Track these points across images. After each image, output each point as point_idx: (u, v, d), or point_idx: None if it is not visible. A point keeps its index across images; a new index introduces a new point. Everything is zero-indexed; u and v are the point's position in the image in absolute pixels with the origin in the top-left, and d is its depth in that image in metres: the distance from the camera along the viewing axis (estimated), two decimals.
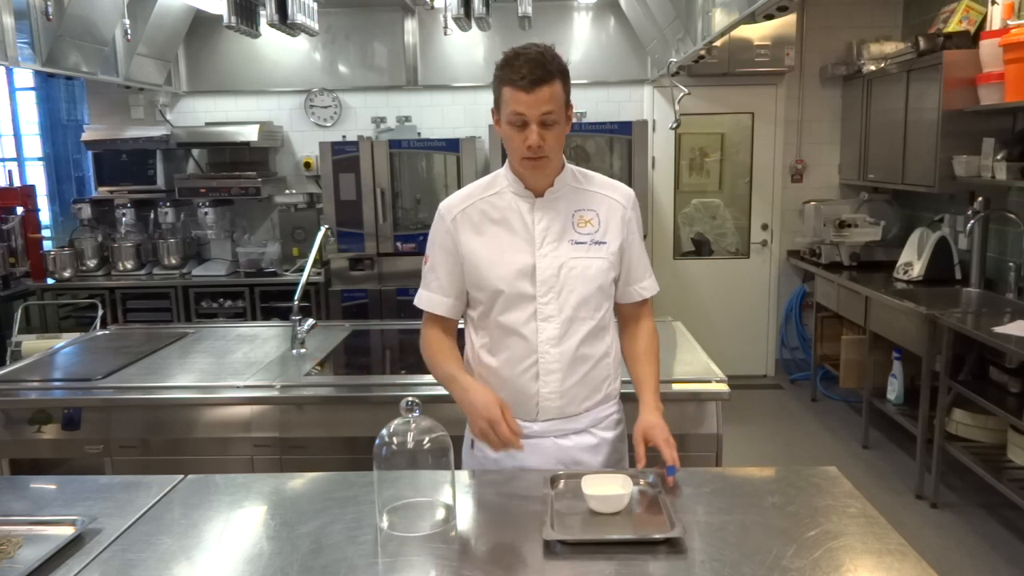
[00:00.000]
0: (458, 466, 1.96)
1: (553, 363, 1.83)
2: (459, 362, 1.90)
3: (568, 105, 1.79)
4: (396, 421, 1.56)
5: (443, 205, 1.90)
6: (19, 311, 4.77)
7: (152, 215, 5.57)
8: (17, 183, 6.20)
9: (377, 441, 1.56)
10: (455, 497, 1.63)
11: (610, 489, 1.62)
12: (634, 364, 1.96)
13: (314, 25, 3.91)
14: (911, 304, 3.91)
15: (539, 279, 1.81)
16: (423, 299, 1.92)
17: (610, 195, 1.90)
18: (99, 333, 3.50)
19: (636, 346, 1.97)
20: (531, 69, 1.69)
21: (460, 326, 1.98)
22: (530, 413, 1.86)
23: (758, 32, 5.18)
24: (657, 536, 1.49)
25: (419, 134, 5.57)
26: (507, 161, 1.88)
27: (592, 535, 1.53)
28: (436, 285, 1.90)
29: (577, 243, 1.84)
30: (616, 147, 5.24)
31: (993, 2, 4.13)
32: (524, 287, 1.82)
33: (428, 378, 2.54)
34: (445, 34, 4.28)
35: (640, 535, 1.52)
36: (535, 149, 1.74)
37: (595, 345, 1.88)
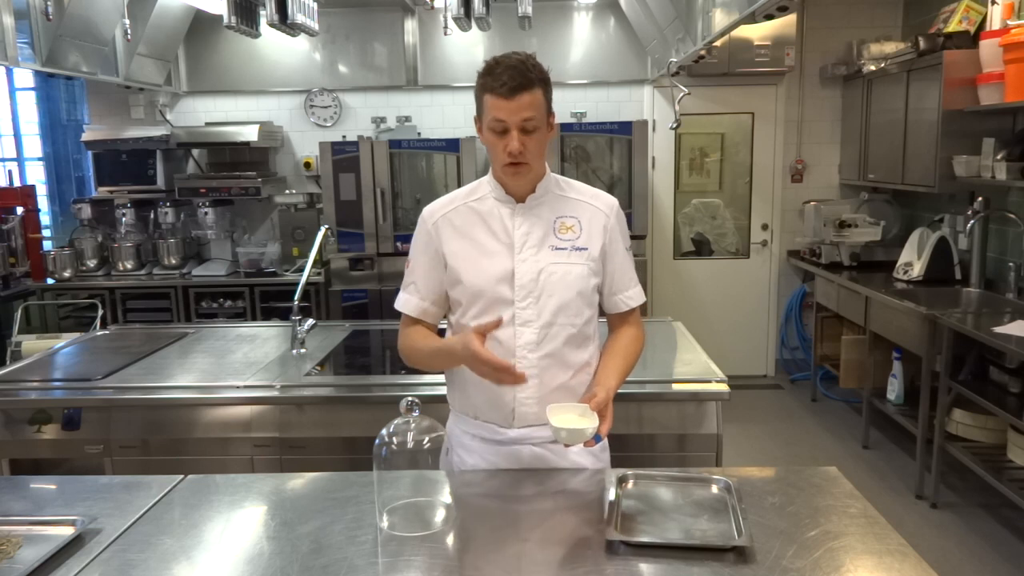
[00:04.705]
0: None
1: (530, 368, 1.79)
2: (435, 336, 1.90)
3: (550, 112, 1.80)
4: (396, 421, 1.56)
5: (426, 210, 1.92)
6: (19, 311, 4.77)
7: (152, 215, 5.57)
8: (17, 183, 6.19)
9: (377, 441, 1.56)
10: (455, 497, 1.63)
11: (577, 422, 1.63)
12: (607, 356, 1.91)
13: (314, 25, 3.91)
14: (911, 304, 3.91)
15: (517, 284, 1.81)
16: (401, 301, 1.93)
17: (592, 203, 1.90)
18: (99, 333, 3.50)
19: (615, 343, 1.94)
20: (511, 76, 1.70)
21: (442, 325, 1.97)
22: (506, 419, 1.84)
23: (758, 32, 5.18)
24: (716, 544, 1.47)
25: (419, 134, 5.57)
26: (491, 168, 1.89)
27: (654, 537, 1.51)
28: (415, 288, 1.91)
29: (557, 249, 1.84)
30: (616, 147, 5.23)
31: (993, 2, 4.13)
32: (503, 291, 1.81)
33: (428, 378, 2.55)
34: (445, 34, 4.27)
35: (700, 541, 1.49)
36: (516, 155, 1.74)
37: (576, 353, 1.85)
